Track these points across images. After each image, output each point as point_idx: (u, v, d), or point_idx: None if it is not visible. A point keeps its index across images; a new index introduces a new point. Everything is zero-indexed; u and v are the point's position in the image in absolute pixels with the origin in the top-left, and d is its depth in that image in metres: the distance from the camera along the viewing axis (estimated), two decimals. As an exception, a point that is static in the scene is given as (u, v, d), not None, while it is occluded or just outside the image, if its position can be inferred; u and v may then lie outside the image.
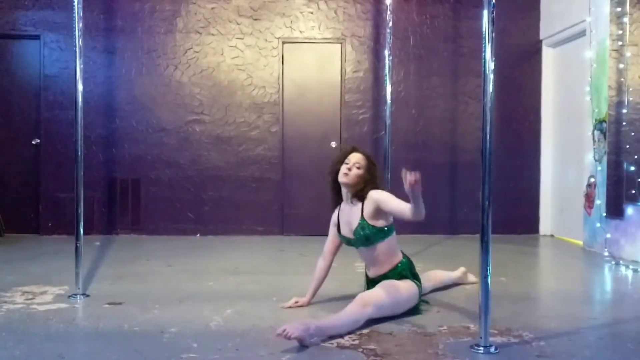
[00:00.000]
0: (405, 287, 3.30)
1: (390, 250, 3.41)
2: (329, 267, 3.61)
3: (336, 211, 3.59)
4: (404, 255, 3.48)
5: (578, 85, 6.22)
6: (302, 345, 2.72)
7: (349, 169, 3.38)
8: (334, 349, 2.76)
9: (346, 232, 3.46)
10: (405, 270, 3.39)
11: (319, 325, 2.86)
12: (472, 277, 4.19)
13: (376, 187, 3.37)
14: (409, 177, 2.82)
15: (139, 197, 6.80)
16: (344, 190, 3.48)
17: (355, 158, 3.42)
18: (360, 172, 3.38)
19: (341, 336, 2.92)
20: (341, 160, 3.46)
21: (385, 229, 3.36)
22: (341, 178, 3.41)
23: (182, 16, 6.82)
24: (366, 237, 3.34)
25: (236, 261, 5.18)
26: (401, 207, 3.14)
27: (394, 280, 3.32)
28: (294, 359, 2.62)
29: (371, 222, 3.32)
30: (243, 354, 2.69)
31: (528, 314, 3.49)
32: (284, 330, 2.69)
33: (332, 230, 3.59)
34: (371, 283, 3.45)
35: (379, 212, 3.30)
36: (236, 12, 6.86)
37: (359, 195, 3.37)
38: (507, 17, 6.86)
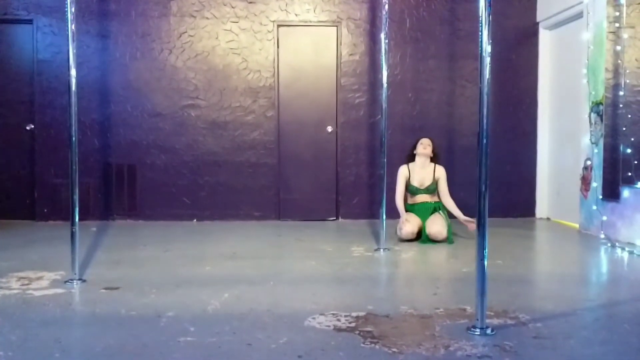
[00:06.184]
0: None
1: (435, 195, 5.59)
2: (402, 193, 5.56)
3: (405, 169, 5.60)
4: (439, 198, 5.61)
5: (575, 67, 6.20)
6: None
7: (425, 148, 5.56)
8: (331, 331, 2.77)
9: (419, 184, 5.54)
10: (441, 205, 5.54)
11: None
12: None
13: (439, 159, 5.70)
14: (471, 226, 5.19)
15: (134, 182, 6.78)
16: (421, 159, 5.56)
17: (427, 141, 5.61)
18: (430, 148, 5.60)
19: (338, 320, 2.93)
20: (415, 144, 5.65)
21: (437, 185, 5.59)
22: (421, 151, 5.55)
23: (176, -1, 6.76)
24: (431, 189, 5.54)
25: (233, 246, 5.18)
26: (444, 191, 5.57)
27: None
28: (292, 342, 2.62)
29: (435, 183, 5.55)
30: (240, 337, 2.69)
31: (524, 296, 3.50)
32: None
33: (403, 181, 5.57)
34: (422, 204, 5.52)
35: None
36: (231, -5, 6.80)
37: (431, 161, 5.60)
38: (504, -1, 6.82)
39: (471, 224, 5.17)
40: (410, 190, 5.57)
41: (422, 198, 5.54)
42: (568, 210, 6.43)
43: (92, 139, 6.71)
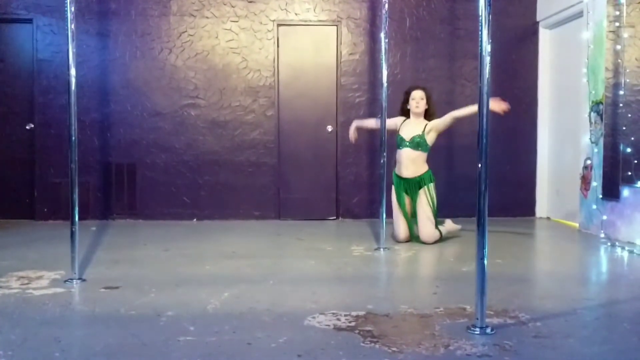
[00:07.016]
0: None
1: (423, 160, 5.23)
2: (375, 128, 5.47)
3: (400, 120, 5.32)
4: (429, 169, 5.24)
5: (575, 67, 6.19)
6: None
7: (417, 104, 5.21)
8: (330, 330, 2.77)
9: (405, 135, 5.20)
10: (431, 177, 5.21)
11: None
12: None
13: (434, 112, 5.28)
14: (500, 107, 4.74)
15: (134, 181, 6.78)
16: (414, 115, 5.24)
17: (419, 94, 5.25)
18: (424, 103, 5.25)
19: (338, 319, 2.93)
20: (407, 98, 5.30)
21: (429, 145, 5.21)
22: (414, 109, 5.22)
23: (175, -1, 6.75)
24: (418, 143, 5.15)
25: (233, 245, 5.18)
26: (445, 121, 5.13)
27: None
28: (291, 341, 2.62)
29: (425, 137, 5.16)
30: (240, 336, 2.69)
31: (524, 296, 3.50)
32: None
33: (393, 123, 5.28)
34: (405, 181, 5.22)
35: (431, 134, 5.18)
36: (230, -5, 6.80)
37: (425, 116, 5.26)
38: (503, -2, 6.82)
39: (498, 105, 4.73)
40: (396, 140, 5.26)
41: (405, 154, 5.17)
42: (568, 210, 6.43)
43: (91, 138, 6.70)
